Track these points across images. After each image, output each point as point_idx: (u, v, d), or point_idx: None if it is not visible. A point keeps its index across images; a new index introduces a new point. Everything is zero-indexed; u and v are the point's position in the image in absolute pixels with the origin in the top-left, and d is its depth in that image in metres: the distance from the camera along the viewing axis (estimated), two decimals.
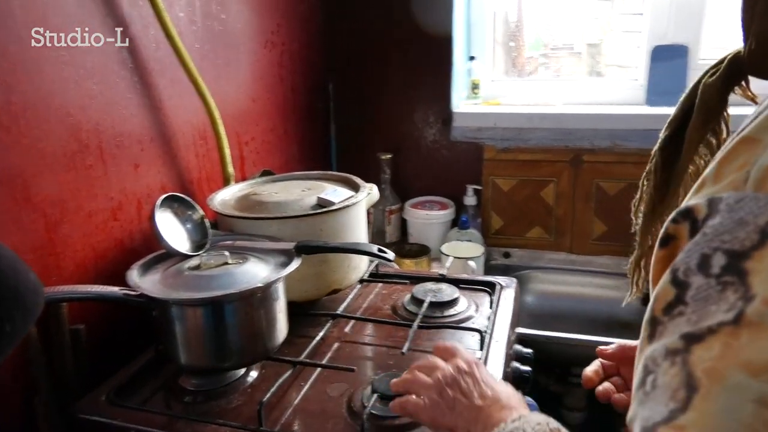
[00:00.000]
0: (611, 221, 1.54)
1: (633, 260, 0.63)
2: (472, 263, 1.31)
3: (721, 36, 1.51)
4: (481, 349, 0.83)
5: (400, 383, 0.64)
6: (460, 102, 1.63)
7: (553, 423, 0.48)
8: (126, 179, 0.90)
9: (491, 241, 1.60)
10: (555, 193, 1.56)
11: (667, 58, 1.49)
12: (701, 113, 0.51)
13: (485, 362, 0.80)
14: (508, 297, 0.99)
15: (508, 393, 0.56)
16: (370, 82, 1.62)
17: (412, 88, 1.60)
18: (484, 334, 0.85)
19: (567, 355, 1.30)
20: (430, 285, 1.01)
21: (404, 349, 0.78)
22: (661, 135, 0.56)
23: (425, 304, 0.93)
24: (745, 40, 0.44)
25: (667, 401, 0.29)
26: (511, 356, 0.91)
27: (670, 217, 0.34)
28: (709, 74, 0.51)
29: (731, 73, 0.49)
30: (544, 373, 1.42)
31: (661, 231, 0.35)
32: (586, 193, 1.54)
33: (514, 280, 1.06)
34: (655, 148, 0.57)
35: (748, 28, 0.43)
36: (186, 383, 0.78)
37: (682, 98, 0.54)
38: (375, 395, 0.69)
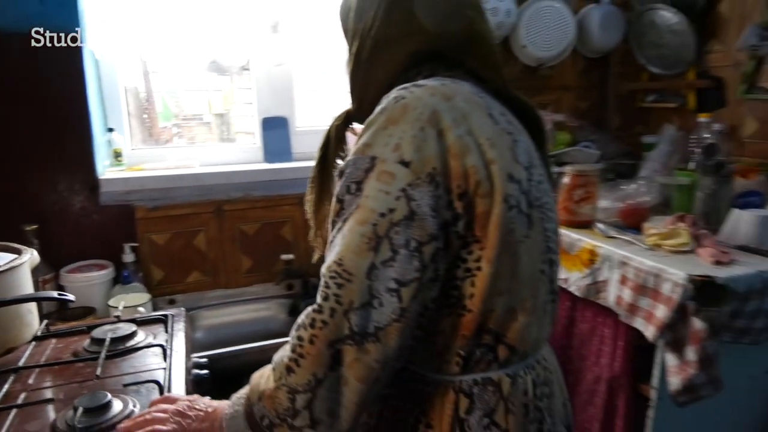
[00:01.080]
0: (254, 256, 1.90)
1: (313, 234, 0.94)
2: (141, 309, 1.46)
3: (308, 110, 2.07)
4: (165, 360, 1.02)
5: (132, 425, 0.74)
6: (105, 170, 1.76)
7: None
8: None
9: (156, 292, 1.75)
10: (206, 240, 1.83)
11: (274, 126, 1.96)
12: (335, 142, 0.90)
13: (170, 371, 0.99)
14: (179, 322, 1.20)
15: (220, 402, 0.80)
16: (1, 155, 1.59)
17: (53, 160, 1.64)
18: (166, 348, 1.04)
19: (237, 370, 1.56)
20: (107, 327, 1.12)
21: (98, 372, 0.91)
22: (317, 155, 0.91)
23: (107, 341, 1.05)
24: (352, 102, 0.84)
25: (336, 247, 0.65)
26: (191, 366, 1.12)
27: (336, 172, 0.71)
28: (336, 120, 0.90)
29: (346, 120, 0.89)
30: (222, 393, 1.64)
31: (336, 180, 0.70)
32: (231, 236, 1.86)
33: (183, 309, 1.27)
34: (315, 163, 0.91)
35: (352, 95, 0.84)
36: None
37: (324, 133, 0.90)
38: (80, 410, 0.80)
